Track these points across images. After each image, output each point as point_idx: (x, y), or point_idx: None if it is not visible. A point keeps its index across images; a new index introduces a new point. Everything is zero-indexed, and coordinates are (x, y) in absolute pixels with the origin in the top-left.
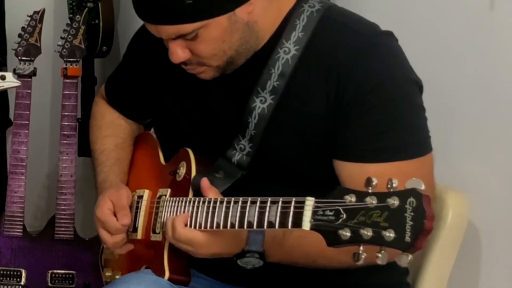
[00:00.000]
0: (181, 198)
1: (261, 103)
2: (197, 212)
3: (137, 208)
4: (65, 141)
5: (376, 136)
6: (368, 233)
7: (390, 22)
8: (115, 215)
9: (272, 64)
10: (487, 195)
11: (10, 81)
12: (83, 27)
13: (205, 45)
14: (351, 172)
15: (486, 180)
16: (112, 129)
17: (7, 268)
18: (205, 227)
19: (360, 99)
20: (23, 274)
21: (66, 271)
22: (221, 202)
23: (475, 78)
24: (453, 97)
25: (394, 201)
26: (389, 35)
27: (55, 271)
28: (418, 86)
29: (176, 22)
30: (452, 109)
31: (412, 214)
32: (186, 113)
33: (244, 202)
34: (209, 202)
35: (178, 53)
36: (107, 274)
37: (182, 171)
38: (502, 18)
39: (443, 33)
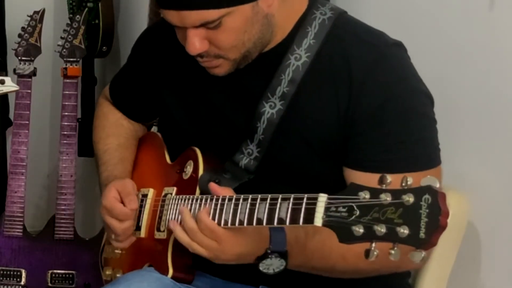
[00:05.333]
0: (187, 196)
1: (271, 108)
2: None
3: (141, 206)
4: (65, 141)
5: (387, 147)
6: (382, 230)
7: (389, 22)
8: (121, 203)
9: (283, 70)
10: (487, 195)
11: (9, 85)
12: (83, 27)
13: (226, 34)
14: (361, 181)
15: (486, 180)
16: (115, 129)
17: (7, 268)
18: None
19: (372, 112)
20: (23, 274)
21: (66, 271)
22: (230, 200)
23: (475, 78)
24: (452, 97)
25: (409, 198)
26: (399, 46)
27: (55, 271)
28: (429, 98)
29: (202, 7)
30: (452, 109)
31: (427, 211)
32: (193, 116)
33: (254, 200)
34: (217, 200)
35: (196, 44)
36: (107, 272)
37: (189, 169)
38: (502, 18)
39: (443, 33)
